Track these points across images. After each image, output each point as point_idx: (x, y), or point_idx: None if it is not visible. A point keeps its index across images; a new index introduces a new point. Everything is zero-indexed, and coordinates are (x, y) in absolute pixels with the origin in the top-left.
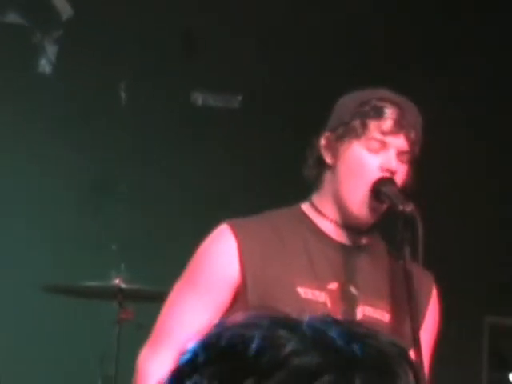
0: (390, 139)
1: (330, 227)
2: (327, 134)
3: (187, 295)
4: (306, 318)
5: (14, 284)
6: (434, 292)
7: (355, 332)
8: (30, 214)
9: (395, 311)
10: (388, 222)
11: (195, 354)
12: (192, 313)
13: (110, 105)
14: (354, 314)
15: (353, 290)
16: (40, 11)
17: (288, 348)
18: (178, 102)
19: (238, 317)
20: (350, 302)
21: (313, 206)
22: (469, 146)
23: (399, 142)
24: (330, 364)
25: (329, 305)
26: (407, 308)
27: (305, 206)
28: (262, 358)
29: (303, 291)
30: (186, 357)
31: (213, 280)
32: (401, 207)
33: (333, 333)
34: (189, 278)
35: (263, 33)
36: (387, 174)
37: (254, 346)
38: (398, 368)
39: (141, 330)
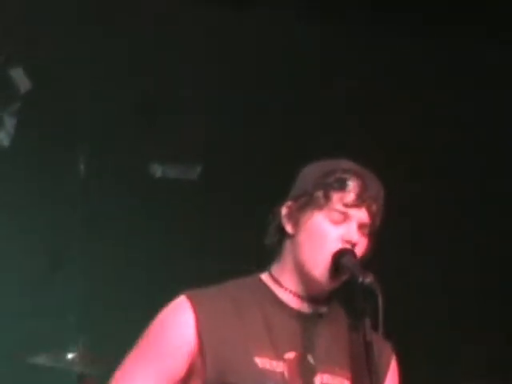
0: (352, 211)
1: (288, 297)
2: (289, 203)
3: (139, 364)
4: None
5: None
6: (393, 362)
7: None
8: None
9: (354, 379)
10: (347, 292)
11: None
12: (142, 382)
13: (69, 178)
14: (312, 382)
15: (311, 358)
16: None
17: None
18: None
19: None
20: (308, 371)
21: (272, 275)
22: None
23: (361, 214)
24: None
25: (286, 374)
26: (367, 376)
27: (264, 276)
28: None
29: (261, 361)
30: None
31: (168, 351)
32: (360, 278)
33: None
34: (143, 347)
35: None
36: (348, 246)
37: None
38: None
39: None
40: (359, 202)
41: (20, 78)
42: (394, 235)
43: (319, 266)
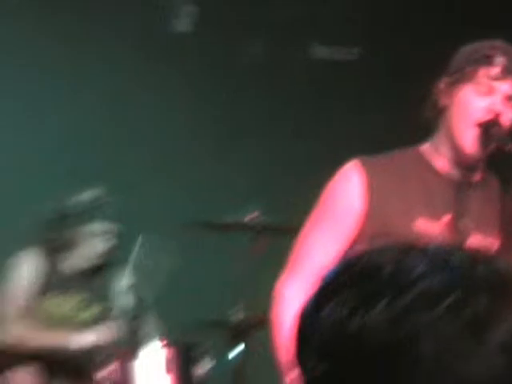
0: (497, 84)
1: (445, 165)
2: (445, 79)
3: (319, 228)
4: (430, 245)
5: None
6: None
7: (477, 256)
8: (171, 157)
9: (504, 241)
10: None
11: (335, 277)
12: (323, 243)
13: (239, 61)
14: (465, 242)
15: (464, 221)
16: None
17: (417, 272)
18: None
19: (369, 245)
20: (461, 232)
21: (430, 147)
22: None
23: (506, 86)
24: (456, 286)
25: (443, 235)
26: None
27: (423, 148)
28: (395, 281)
29: (420, 223)
30: (327, 281)
31: (341, 213)
32: (507, 146)
33: (456, 257)
34: (320, 211)
35: None
36: (493, 116)
37: (387, 270)
38: None
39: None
40: (504, 75)
41: None
42: None
43: (467, 136)
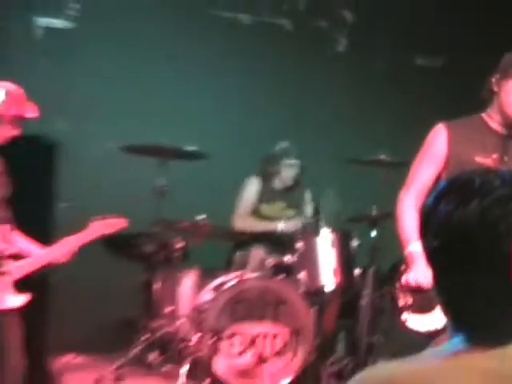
0: None
1: (496, 126)
2: (496, 75)
3: (422, 161)
4: (500, 169)
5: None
6: None
7: None
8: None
9: None
10: None
11: (445, 187)
12: (424, 171)
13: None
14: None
15: (506, 158)
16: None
17: (495, 183)
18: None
19: (460, 172)
20: (506, 165)
21: (487, 114)
22: None
23: None
24: None
25: (493, 165)
26: None
27: (483, 114)
28: (482, 189)
29: (479, 159)
30: (439, 189)
31: (434, 153)
32: None
33: None
34: (423, 151)
35: None
36: None
37: (477, 182)
38: None
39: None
40: None
41: None
42: None
43: (510, 109)
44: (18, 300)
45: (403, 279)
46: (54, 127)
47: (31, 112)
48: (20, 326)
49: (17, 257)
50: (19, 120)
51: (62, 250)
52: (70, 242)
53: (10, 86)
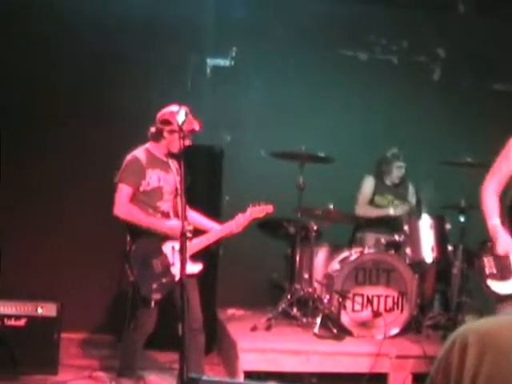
0: None
1: None
2: None
3: (502, 160)
4: None
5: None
6: None
7: None
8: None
9: None
10: None
11: None
12: (504, 167)
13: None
14: None
15: None
16: None
17: None
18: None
19: None
20: None
21: None
22: None
23: None
24: None
25: None
26: None
27: None
28: None
29: None
30: None
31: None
32: None
33: None
34: (503, 152)
35: None
36: None
37: None
38: None
39: None
40: None
41: None
42: None
43: None
44: (196, 268)
45: (496, 249)
46: (220, 139)
47: (199, 127)
48: (197, 286)
49: (198, 231)
50: (191, 133)
51: (234, 225)
52: (239, 219)
53: (187, 108)
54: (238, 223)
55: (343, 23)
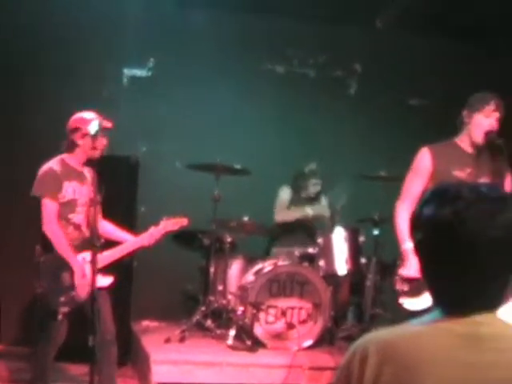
0: (494, 114)
1: (466, 147)
2: (466, 109)
3: (412, 176)
4: (468, 183)
5: None
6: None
7: (482, 188)
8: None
9: (493, 179)
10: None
11: (430, 195)
12: (414, 184)
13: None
14: (480, 180)
15: (477, 171)
16: None
17: (465, 192)
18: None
19: (442, 185)
20: (474, 178)
21: (459, 139)
22: None
23: (497, 114)
24: (486, 198)
25: (468, 179)
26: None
27: (456, 138)
28: (459, 197)
29: (456, 173)
30: (425, 197)
31: (421, 169)
32: (498, 141)
33: (482, 188)
34: (413, 168)
35: None
36: (490, 128)
37: (451, 191)
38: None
39: None
40: (495, 109)
41: None
42: None
43: (479, 137)
44: (107, 280)
45: (400, 272)
46: (136, 149)
47: (111, 125)
48: (109, 299)
49: (112, 243)
50: (106, 131)
51: (146, 238)
52: (152, 233)
53: (100, 118)
54: (150, 236)
55: (261, 36)
